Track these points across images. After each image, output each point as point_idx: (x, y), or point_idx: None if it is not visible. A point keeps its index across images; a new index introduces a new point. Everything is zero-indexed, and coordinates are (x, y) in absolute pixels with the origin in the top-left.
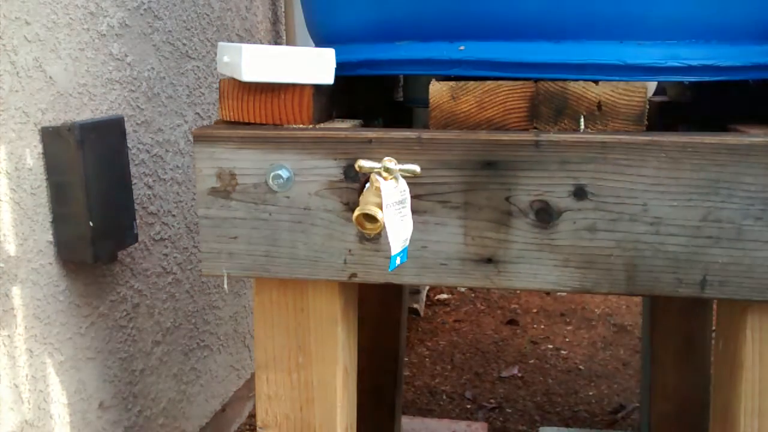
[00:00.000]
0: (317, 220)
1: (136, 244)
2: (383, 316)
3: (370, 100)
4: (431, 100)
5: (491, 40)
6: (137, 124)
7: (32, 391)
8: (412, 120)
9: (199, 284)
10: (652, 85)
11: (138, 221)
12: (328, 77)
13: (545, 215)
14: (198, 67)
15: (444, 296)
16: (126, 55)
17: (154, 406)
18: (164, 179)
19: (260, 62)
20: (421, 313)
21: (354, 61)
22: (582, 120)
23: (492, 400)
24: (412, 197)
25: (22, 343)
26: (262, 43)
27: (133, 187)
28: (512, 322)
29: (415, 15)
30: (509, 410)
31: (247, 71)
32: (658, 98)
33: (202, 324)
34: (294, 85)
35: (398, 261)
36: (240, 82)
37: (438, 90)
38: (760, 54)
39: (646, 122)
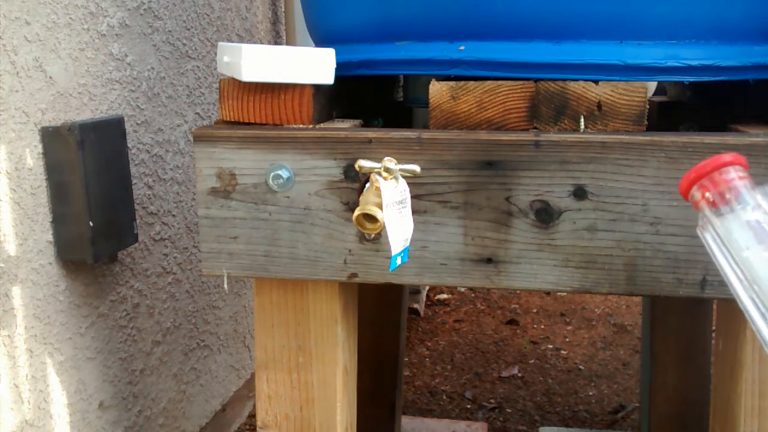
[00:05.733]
0: (317, 220)
1: (136, 244)
2: (383, 316)
3: (370, 100)
4: (431, 100)
5: (491, 40)
6: (137, 124)
7: (32, 391)
8: (412, 120)
9: (199, 284)
10: (652, 85)
11: (138, 221)
12: (328, 77)
13: (545, 215)
14: (198, 67)
15: (444, 296)
16: (126, 55)
17: (154, 406)
18: (164, 179)
19: (260, 62)
20: (421, 313)
21: (354, 61)
22: (582, 120)
23: (492, 400)
24: (412, 197)
25: (22, 343)
26: (262, 43)
27: (133, 187)
28: (512, 322)
29: (415, 15)
30: (509, 410)
31: (247, 71)
32: (658, 98)
33: (202, 324)
34: (294, 85)
35: (399, 261)
36: (240, 82)
37: (438, 90)
38: (760, 54)
39: (646, 122)
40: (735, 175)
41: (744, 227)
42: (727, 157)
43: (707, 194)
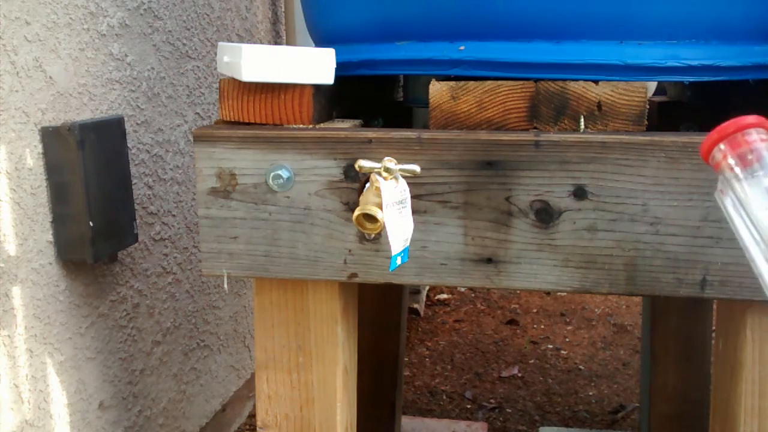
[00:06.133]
0: (317, 220)
1: (136, 244)
2: (383, 316)
3: (370, 100)
4: (431, 100)
5: (491, 40)
6: (137, 124)
7: (32, 391)
8: (412, 120)
9: (199, 284)
10: (652, 85)
11: (138, 221)
12: (328, 77)
13: (545, 215)
14: (198, 67)
15: (444, 296)
16: (126, 55)
17: (154, 406)
18: (164, 179)
19: (260, 62)
20: (421, 313)
21: (354, 61)
22: (582, 120)
23: (492, 400)
24: (412, 197)
25: (22, 343)
26: (262, 43)
27: (133, 187)
28: (512, 322)
29: (415, 15)
30: (509, 410)
31: (247, 71)
32: (658, 98)
33: (202, 324)
34: (294, 85)
35: (399, 261)
36: (240, 82)
37: (438, 90)
38: (760, 54)
39: (646, 122)
40: (757, 137)
41: (764, 189)
42: (750, 119)
43: (728, 156)
